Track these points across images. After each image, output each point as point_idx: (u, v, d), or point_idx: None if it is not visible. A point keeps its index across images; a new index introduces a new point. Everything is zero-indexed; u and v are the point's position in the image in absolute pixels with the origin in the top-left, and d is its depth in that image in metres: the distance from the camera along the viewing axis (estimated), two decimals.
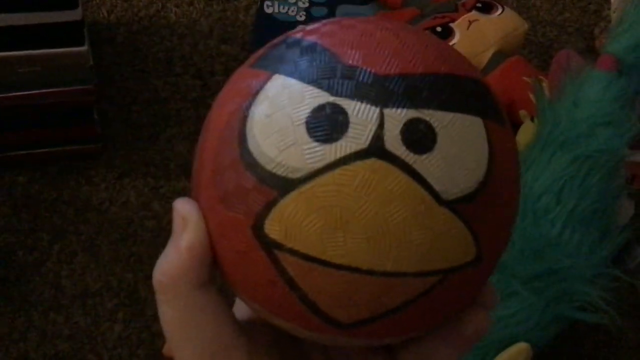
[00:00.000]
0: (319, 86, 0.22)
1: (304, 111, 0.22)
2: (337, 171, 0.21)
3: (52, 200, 0.73)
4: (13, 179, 0.73)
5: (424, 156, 0.21)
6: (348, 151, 0.21)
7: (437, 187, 0.21)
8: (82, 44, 0.64)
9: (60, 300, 0.68)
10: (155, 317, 0.68)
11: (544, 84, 0.71)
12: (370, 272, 0.22)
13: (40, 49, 0.63)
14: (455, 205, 0.22)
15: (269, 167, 0.22)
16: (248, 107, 0.22)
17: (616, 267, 0.63)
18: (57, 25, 0.63)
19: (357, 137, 0.21)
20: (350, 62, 0.22)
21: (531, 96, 0.71)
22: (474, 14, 0.77)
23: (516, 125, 0.72)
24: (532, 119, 0.68)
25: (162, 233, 0.72)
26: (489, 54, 0.76)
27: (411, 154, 0.21)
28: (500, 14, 0.78)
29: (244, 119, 0.22)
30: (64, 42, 0.64)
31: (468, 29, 0.76)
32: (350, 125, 0.21)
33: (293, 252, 0.22)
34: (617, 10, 0.85)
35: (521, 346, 0.59)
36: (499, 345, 0.60)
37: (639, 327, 0.72)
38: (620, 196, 0.64)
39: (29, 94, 0.67)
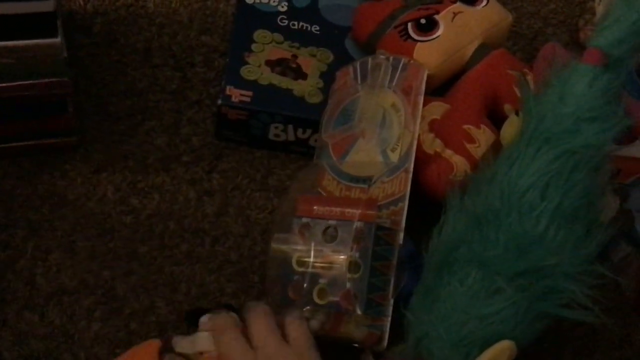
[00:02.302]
0: None
1: None
2: None
3: (26, 196, 0.71)
4: None
5: None
6: None
7: None
8: (55, 36, 0.62)
9: (35, 298, 0.66)
10: (133, 316, 0.66)
11: (529, 78, 0.71)
12: None
13: (13, 40, 0.62)
14: None
15: None
16: None
17: (600, 262, 0.62)
18: (29, 16, 0.61)
19: None
20: None
21: (516, 90, 0.70)
22: (458, 5, 0.76)
23: (501, 119, 0.71)
24: (516, 113, 0.67)
25: (140, 229, 0.71)
26: (473, 47, 0.75)
27: None
28: (485, 6, 0.77)
29: None
30: (36, 34, 0.62)
31: (452, 20, 0.75)
32: None
33: None
34: (602, 3, 0.85)
35: (505, 344, 0.59)
36: (482, 342, 0.59)
37: (622, 324, 0.72)
38: (605, 192, 0.63)
39: (1, 86, 0.65)
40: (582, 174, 0.60)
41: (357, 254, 0.63)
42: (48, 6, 0.61)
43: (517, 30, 0.89)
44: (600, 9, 0.84)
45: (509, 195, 0.60)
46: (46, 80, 0.66)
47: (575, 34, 0.89)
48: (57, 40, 0.62)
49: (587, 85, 0.61)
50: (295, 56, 0.78)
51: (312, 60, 0.78)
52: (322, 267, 0.64)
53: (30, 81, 0.65)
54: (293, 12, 0.80)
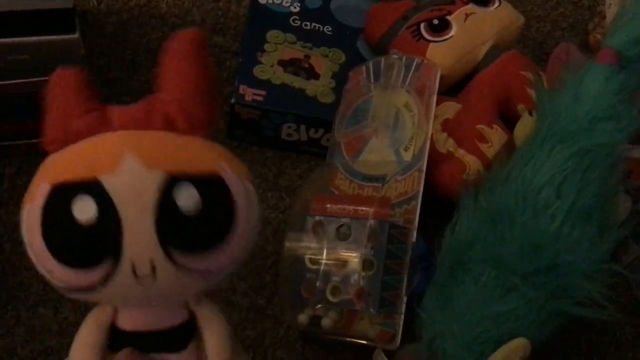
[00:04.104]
0: None
1: None
2: None
3: None
4: (0, 171, 0.71)
5: None
6: None
7: None
8: (73, 32, 0.63)
9: (48, 294, 0.66)
10: None
11: (543, 78, 0.71)
12: None
13: (30, 36, 0.62)
14: None
15: None
16: None
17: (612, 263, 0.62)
18: (47, 12, 0.62)
19: None
20: None
21: (529, 90, 0.71)
22: (470, 6, 0.76)
23: (513, 119, 0.71)
24: (530, 113, 0.67)
25: None
26: (485, 48, 0.75)
27: None
28: (497, 7, 0.77)
29: None
30: (54, 30, 0.62)
31: (465, 21, 0.75)
32: None
33: None
34: (612, 6, 0.85)
35: (520, 342, 0.58)
36: (497, 341, 0.59)
37: (634, 323, 0.72)
38: (619, 191, 0.63)
39: (17, 82, 0.65)
40: (596, 172, 0.60)
41: (371, 252, 0.63)
42: (67, 3, 0.61)
43: (526, 34, 0.89)
44: (610, 12, 0.84)
45: (524, 193, 0.60)
46: None
47: (585, 37, 0.89)
48: (75, 36, 0.63)
49: (601, 85, 0.61)
50: (307, 56, 0.78)
51: (324, 61, 0.78)
52: (335, 265, 0.64)
53: (46, 77, 0.65)
54: (305, 13, 0.81)
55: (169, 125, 0.44)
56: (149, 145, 0.43)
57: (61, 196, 0.41)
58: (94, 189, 0.41)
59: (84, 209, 0.41)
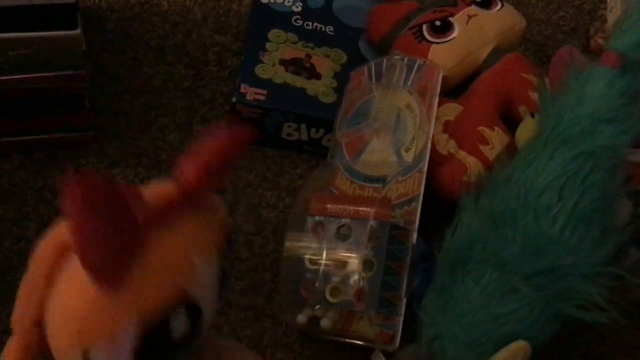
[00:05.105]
0: None
1: None
2: None
3: (38, 189, 0.71)
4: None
5: None
6: None
7: None
8: (75, 28, 0.62)
9: None
10: None
11: (546, 80, 0.71)
12: None
13: (32, 31, 0.62)
14: None
15: None
16: None
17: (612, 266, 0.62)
18: (49, 8, 0.61)
19: None
20: None
21: (530, 92, 0.71)
22: (473, 8, 0.76)
23: (514, 122, 0.71)
24: (532, 115, 0.67)
25: None
26: (487, 50, 0.75)
27: None
28: (499, 10, 0.77)
29: None
30: (56, 25, 0.62)
31: (467, 23, 0.75)
32: None
33: None
34: (613, 10, 0.85)
35: (520, 344, 0.58)
36: (497, 342, 0.59)
37: (634, 326, 0.72)
38: (620, 195, 0.63)
39: (18, 78, 0.65)
40: (598, 175, 0.60)
41: (371, 253, 0.63)
42: None
43: (528, 37, 0.89)
44: (612, 16, 0.84)
45: (526, 195, 0.60)
46: (63, 73, 0.66)
47: (586, 41, 0.89)
48: (77, 32, 0.63)
49: (604, 87, 0.61)
50: (309, 56, 0.78)
51: (326, 61, 0.78)
52: (335, 266, 0.64)
53: (47, 73, 0.65)
54: (307, 13, 0.81)
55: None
56: (197, 237, 0.43)
57: (157, 331, 0.40)
58: (184, 301, 0.41)
59: (179, 326, 0.41)
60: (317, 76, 0.77)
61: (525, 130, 0.66)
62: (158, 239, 0.41)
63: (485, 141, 0.70)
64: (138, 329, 0.39)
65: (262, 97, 0.74)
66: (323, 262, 0.64)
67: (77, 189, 0.37)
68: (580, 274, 0.59)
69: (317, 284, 0.64)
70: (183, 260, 0.41)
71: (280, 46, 0.78)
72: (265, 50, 0.77)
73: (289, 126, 0.75)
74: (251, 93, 0.75)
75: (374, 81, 0.73)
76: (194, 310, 0.41)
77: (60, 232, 0.43)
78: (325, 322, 0.64)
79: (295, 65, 0.77)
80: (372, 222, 0.64)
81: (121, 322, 0.39)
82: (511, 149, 0.69)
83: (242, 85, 0.75)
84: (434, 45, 0.74)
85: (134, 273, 0.39)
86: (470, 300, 0.60)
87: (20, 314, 0.43)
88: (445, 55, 0.74)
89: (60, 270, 0.42)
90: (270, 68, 0.76)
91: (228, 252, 0.44)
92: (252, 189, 0.75)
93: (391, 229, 0.63)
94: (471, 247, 0.62)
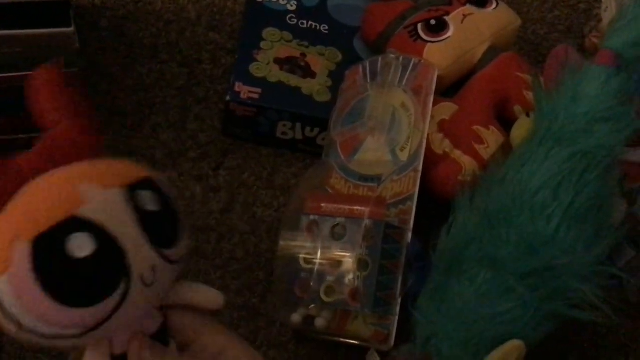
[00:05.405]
0: None
1: None
2: None
3: None
4: None
5: None
6: None
7: None
8: (68, 25, 0.62)
9: None
10: None
11: (541, 79, 0.71)
12: None
13: (25, 29, 0.61)
14: None
15: None
16: None
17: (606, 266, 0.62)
18: (43, 5, 0.61)
19: None
20: None
21: (526, 92, 0.71)
22: (468, 7, 0.76)
23: (509, 121, 0.71)
24: (527, 115, 0.67)
25: None
26: (483, 49, 0.75)
27: None
28: (494, 9, 0.77)
29: None
30: (49, 23, 0.61)
31: (462, 22, 0.75)
32: None
33: None
34: (608, 9, 0.85)
35: (514, 343, 0.58)
36: (492, 342, 0.59)
37: (628, 326, 0.72)
38: (615, 194, 0.63)
39: (11, 76, 0.65)
40: (593, 174, 0.60)
41: (366, 252, 0.63)
42: None
43: (522, 36, 0.89)
44: (606, 16, 0.84)
45: (521, 194, 0.60)
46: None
47: (581, 40, 0.90)
48: (70, 29, 0.62)
49: (600, 86, 0.61)
50: (304, 55, 0.78)
51: (320, 59, 0.78)
52: (330, 265, 0.64)
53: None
54: (302, 11, 0.80)
55: (74, 156, 0.45)
56: (86, 171, 0.43)
57: (50, 248, 0.40)
58: (79, 224, 0.41)
59: (82, 246, 0.40)
60: (312, 75, 0.77)
61: (521, 129, 0.66)
62: (43, 176, 0.43)
63: (480, 140, 0.70)
64: (32, 250, 0.40)
65: (256, 96, 0.74)
66: (318, 261, 0.64)
67: None
68: (575, 273, 0.59)
69: (311, 283, 0.64)
70: (65, 187, 0.42)
71: (275, 45, 0.78)
72: (259, 48, 0.77)
73: (284, 125, 0.75)
74: (245, 92, 0.74)
75: (369, 80, 0.73)
76: (104, 238, 0.41)
77: None
78: (320, 322, 0.64)
79: (290, 63, 0.77)
80: (367, 221, 0.63)
81: (12, 244, 0.40)
82: (506, 148, 0.69)
83: (237, 84, 0.74)
84: (429, 44, 0.74)
85: (17, 202, 0.42)
86: (465, 300, 0.60)
87: None
88: (440, 54, 0.74)
89: None
90: (264, 67, 0.76)
91: (154, 195, 0.43)
92: (246, 188, 0.74)
93: (386, 228, 0.63)
94: (466, 247, 0.62)
